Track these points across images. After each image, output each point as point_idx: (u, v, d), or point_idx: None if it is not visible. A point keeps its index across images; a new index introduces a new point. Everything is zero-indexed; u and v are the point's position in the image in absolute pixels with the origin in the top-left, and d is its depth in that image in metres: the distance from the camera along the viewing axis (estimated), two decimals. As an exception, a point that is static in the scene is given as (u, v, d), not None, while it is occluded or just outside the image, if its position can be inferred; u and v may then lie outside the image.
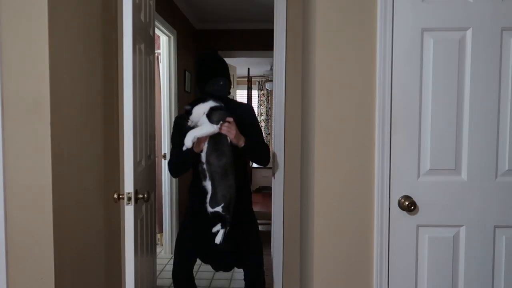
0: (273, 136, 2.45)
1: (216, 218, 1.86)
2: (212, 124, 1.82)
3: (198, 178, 1.94)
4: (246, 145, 1.95)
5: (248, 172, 2.26)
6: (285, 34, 2.38)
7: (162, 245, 3.84)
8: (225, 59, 2.21)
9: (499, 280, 1.53)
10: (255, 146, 2.04)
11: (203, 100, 1.91)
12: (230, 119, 1.87)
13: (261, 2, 3.89)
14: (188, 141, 1.82)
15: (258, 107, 8.93)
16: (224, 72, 2.12)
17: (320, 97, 1.55)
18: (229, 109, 1.92)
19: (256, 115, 2.19)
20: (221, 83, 2.08)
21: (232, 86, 2.24)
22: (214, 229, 1.87)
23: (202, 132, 1.82)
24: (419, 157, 1.52)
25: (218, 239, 1.86)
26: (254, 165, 7.49)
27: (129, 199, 1.60)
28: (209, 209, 1.86)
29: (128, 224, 1.61)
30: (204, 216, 1.91)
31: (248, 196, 2.20)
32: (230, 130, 1.86)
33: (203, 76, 2.10)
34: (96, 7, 1.87)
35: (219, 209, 1.84)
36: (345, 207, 1.56)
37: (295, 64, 2.39)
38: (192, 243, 2.10)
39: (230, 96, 2.24)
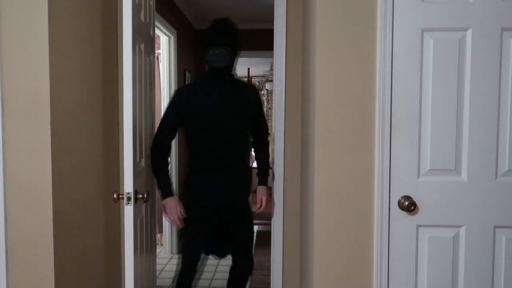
0: (273, 136, 2.45)
1: None
2: None
3: None
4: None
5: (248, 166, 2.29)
6: (285, 34, 2.38)
7: (162, 245, 3.84)
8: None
9: (499, 280, 1.53)
10: (267, 165, 2.25)
11: (202, 79, 1.81)
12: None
13: (261, 2, 3.89)
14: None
15: (258, 107, 8.92)
16: (221, 40, 1.89)
17: (320, 97, 1.55)
18: (234, 90, 1.82)
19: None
20: (217, 51, 1.88)
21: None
22: None
23: None
24: (419, 157, 1.52)
25: None
26: (254, 165, 7.45)
27: (129, 199, 1.60)
28: None
29: (128, 224, 1.61)
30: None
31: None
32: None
33: (203, 45, 1.95)
34: (96, 7, 1.87)
35: None
36: (345, 207, 1.56)
37: (295, 64, 2.38)
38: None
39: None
